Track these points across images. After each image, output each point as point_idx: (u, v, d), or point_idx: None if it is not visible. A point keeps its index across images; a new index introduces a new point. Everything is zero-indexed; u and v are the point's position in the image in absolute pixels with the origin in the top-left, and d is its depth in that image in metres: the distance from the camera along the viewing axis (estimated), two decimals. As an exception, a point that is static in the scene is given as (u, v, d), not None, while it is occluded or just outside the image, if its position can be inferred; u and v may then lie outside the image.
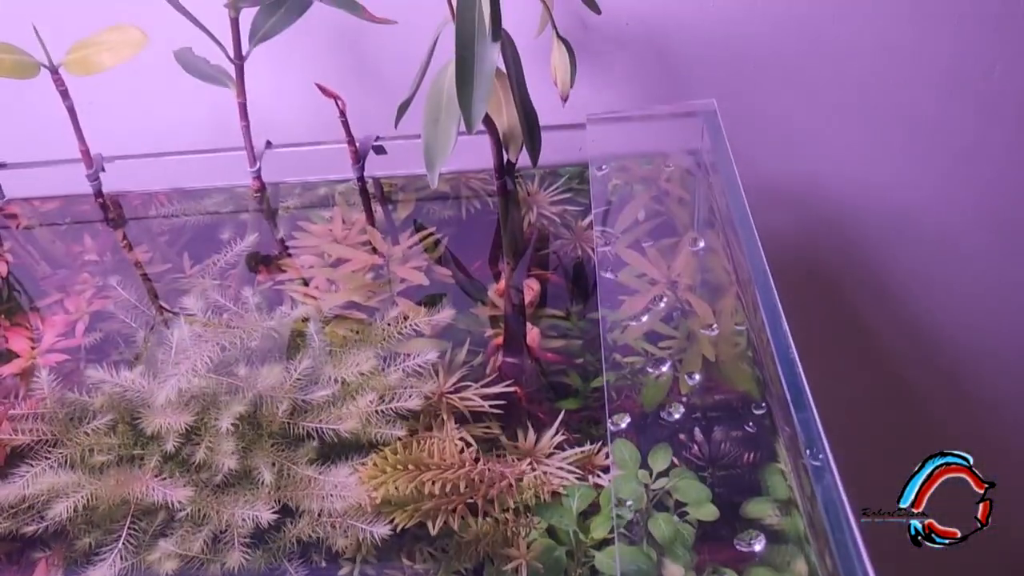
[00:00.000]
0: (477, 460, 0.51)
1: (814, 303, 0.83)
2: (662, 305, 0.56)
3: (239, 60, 0.62)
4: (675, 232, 0.60)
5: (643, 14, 0.71)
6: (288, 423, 0.53)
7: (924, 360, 0.89)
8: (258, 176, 0.69)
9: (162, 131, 0.73)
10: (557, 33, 0.59)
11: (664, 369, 0.51)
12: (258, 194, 0.70)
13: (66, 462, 0.52)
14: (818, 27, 0.71)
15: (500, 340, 0.59)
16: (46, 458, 0.52)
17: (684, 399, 0.50)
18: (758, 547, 0.42)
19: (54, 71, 0.63)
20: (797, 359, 0.44)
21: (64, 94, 0.64)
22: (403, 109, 0.63)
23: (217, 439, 0.53)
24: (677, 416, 0.48)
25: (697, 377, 0.51)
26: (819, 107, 0.74)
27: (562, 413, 0.53)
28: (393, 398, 0.54)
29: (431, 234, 0.67)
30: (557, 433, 0.52)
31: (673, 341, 0.53)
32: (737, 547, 0.42)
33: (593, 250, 0.61)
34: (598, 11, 0.62)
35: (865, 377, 0.90)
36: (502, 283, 0.64)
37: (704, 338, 0.53)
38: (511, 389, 0.55)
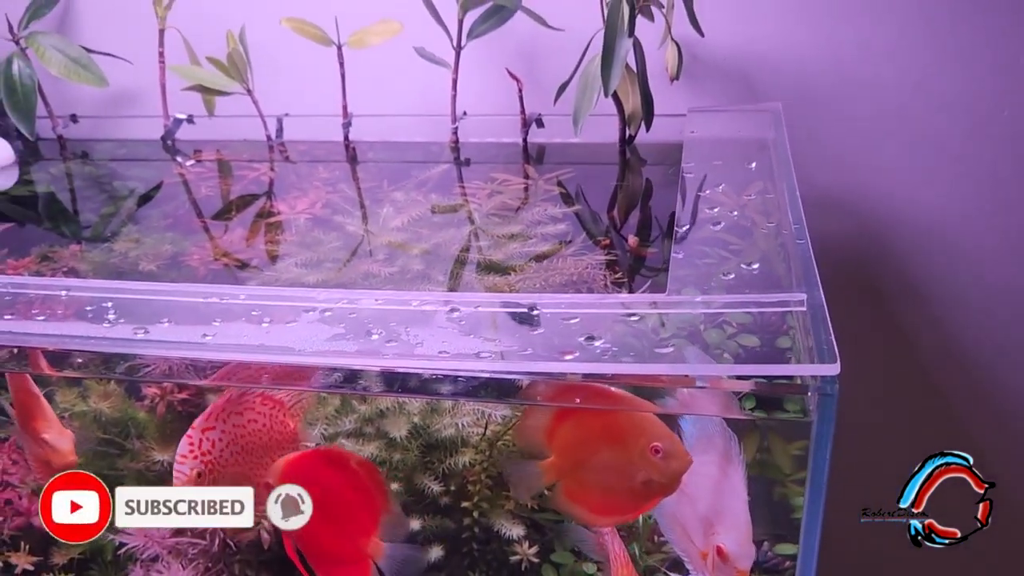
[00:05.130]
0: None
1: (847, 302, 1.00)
2: (719, 214, 0.78)
3: (458, 48, 0.94)
4: (743, 182, 0.83)
5: (737, 50, 0.99)
6: (461, 255, 0.79)
7: (947, 360, 1.04)
8: (455, 133, 0.99)
9: (398, 96, 1.05)
10: (672, 37, 0.88)
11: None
12: (454, 145, 1.01)
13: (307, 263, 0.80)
14: (867, 67, 0.96)
15: (607, 241, 0.83)
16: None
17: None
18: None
19: (339, 46, 0.97)
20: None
21: (342, 64, 0.97)
22: (563, 88, 0.92)
23: (410, 258, 0.79)
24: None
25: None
26: (867, 134, 0.98)
27: (648, 282, 0.76)
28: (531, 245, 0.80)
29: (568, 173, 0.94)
30: (644, 290, 0.75)
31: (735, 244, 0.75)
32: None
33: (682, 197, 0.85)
34: (701, 34, 0.90)
35: (891, 376, 1.06)
36: (615, 212, 0.89)
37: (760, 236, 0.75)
38: (613, 257, 0.78)
